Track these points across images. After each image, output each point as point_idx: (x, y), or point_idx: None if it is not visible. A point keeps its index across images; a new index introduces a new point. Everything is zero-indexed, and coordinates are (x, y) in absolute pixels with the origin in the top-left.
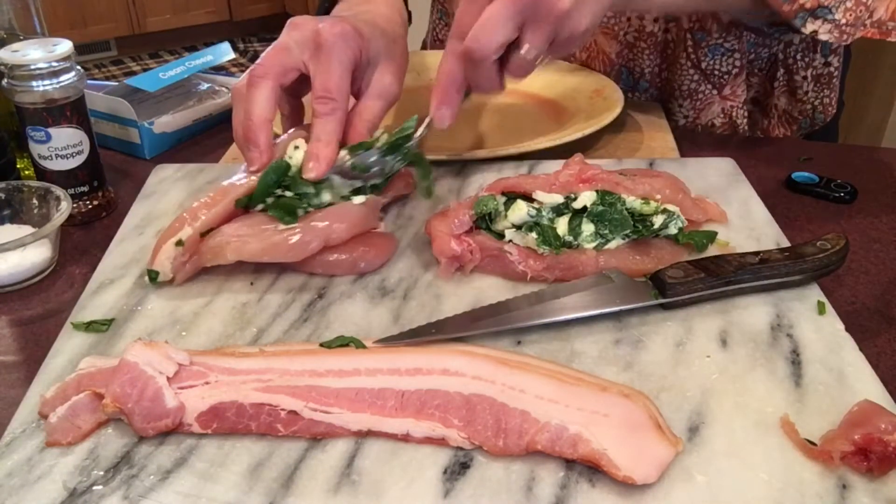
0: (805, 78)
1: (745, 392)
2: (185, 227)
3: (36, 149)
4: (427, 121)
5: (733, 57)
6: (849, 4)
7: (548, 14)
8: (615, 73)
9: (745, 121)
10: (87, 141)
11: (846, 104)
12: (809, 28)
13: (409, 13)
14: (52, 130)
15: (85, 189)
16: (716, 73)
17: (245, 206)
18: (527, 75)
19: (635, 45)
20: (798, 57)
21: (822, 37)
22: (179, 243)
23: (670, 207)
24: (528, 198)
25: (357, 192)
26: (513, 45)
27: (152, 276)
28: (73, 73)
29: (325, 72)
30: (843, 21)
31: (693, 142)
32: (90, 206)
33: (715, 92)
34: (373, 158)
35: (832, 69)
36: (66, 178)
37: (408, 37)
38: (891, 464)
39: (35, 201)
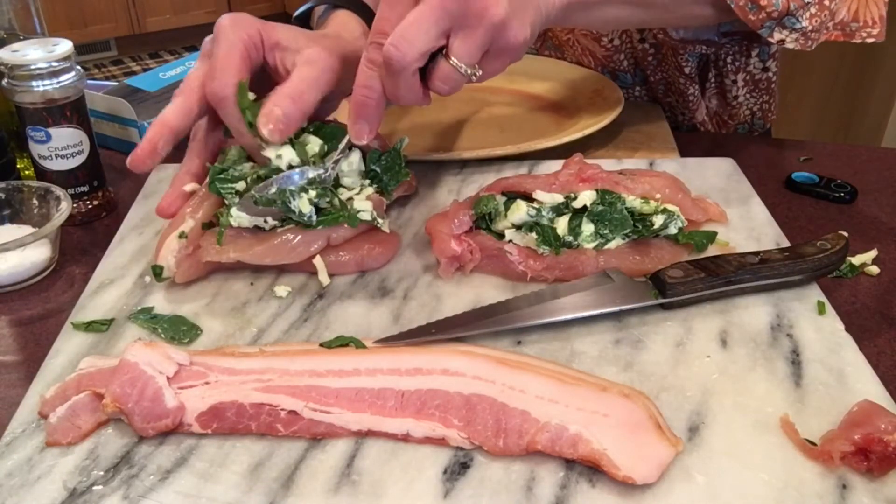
0: (735, 82)
1: (745, 392)
2: (186, 220)
3: (36, 149)
4: (344, 142)
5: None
6: (813, 10)
7: (479, 22)
8: (608, 75)
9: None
10: (87, 141)
11: (847, 106)
12: (777, 37)
13: None
14: (52, 130)
15: (85, 189)
16: (699, 76)
17: (217, 191)
18: (453, 91)
19: (621, 48)
20: (728, 59)
21: (789, 45)
22: (182, 235)
23: (670, 207)
24: (528, 198)
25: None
26: (438, 55)
27: (157, 271)
28: (73, 73)
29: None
30: (809, 27)
31: (693, 142)
32: (90, 206)
33: (701, 94)
34: (272, 190)
35: (770, 74)
36: (66, 178)
37: None
38: (891, 464)
39: (35, 201)
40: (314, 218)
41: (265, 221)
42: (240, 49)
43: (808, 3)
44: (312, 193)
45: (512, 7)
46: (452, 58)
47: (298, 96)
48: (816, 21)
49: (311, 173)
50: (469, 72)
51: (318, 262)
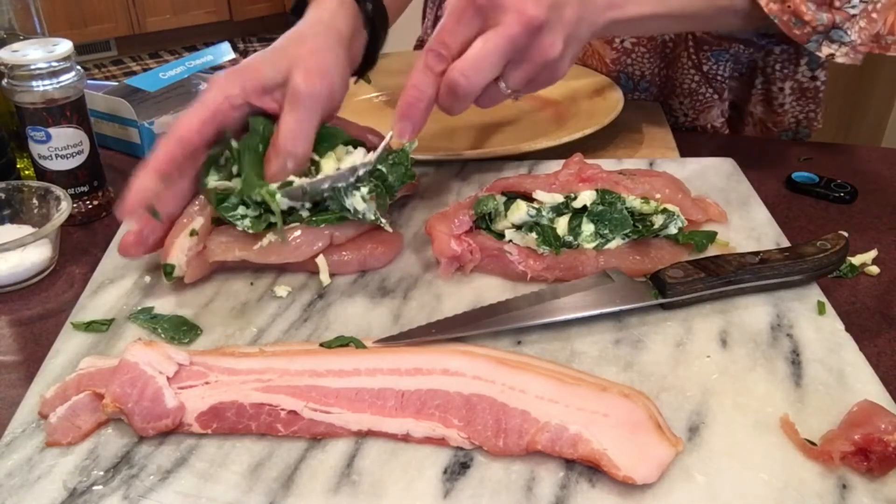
0: (782, 89)
1: (745, 392)
2: (195, 217)
3: (36, 149)
4: (387, 139)
5: (734, 61)
6: (862, 24)
7: (536, 58)
8: (613, 77)
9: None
10: (87, 141)
11: (847, 106)
12: (825, 52)
13: (381, 16)
14: (52, 130)
15: (85, 189)
16: (718, 77)
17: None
18: (492, 106)
19: (633, 50)
20: (777, 67)
21: (840, 60)
22: (193, 233)
23: (670, 207)
24: (528, 198)
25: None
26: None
27: (168, 270)
28: (73, 73)
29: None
30: (858, 41)
31: (693, 142)
32: (90, 206)
33: (716, 96)
34: (325, 186)
35: (818, 83)
36: (66, 178)
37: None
38: (891, 464)
39: (35, 201)
40: (369, 215)
41: (302, 206)
42: (204, 115)
43: (855, 15)
44: (365, 190)
45: (565, 45)
46: (503, 83)
47: (292, 155)
48: (866, 35)
49: (361, 171)
50: (512, 95)
51: (320, 261)
